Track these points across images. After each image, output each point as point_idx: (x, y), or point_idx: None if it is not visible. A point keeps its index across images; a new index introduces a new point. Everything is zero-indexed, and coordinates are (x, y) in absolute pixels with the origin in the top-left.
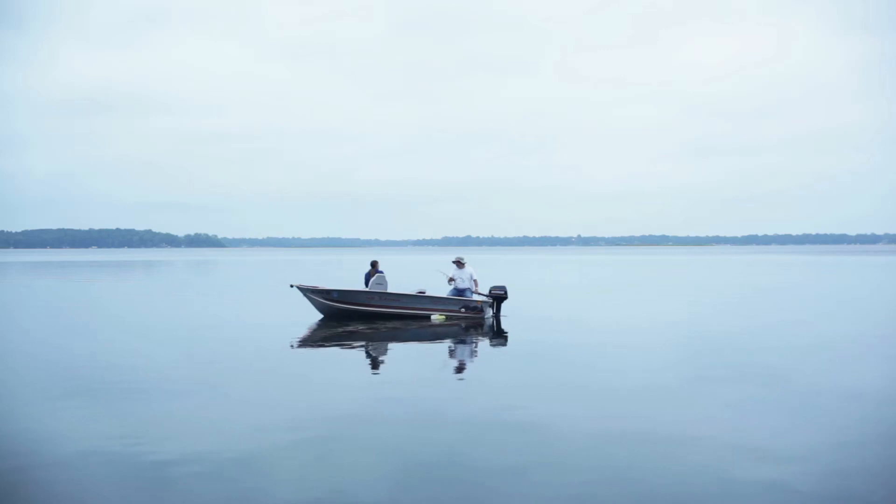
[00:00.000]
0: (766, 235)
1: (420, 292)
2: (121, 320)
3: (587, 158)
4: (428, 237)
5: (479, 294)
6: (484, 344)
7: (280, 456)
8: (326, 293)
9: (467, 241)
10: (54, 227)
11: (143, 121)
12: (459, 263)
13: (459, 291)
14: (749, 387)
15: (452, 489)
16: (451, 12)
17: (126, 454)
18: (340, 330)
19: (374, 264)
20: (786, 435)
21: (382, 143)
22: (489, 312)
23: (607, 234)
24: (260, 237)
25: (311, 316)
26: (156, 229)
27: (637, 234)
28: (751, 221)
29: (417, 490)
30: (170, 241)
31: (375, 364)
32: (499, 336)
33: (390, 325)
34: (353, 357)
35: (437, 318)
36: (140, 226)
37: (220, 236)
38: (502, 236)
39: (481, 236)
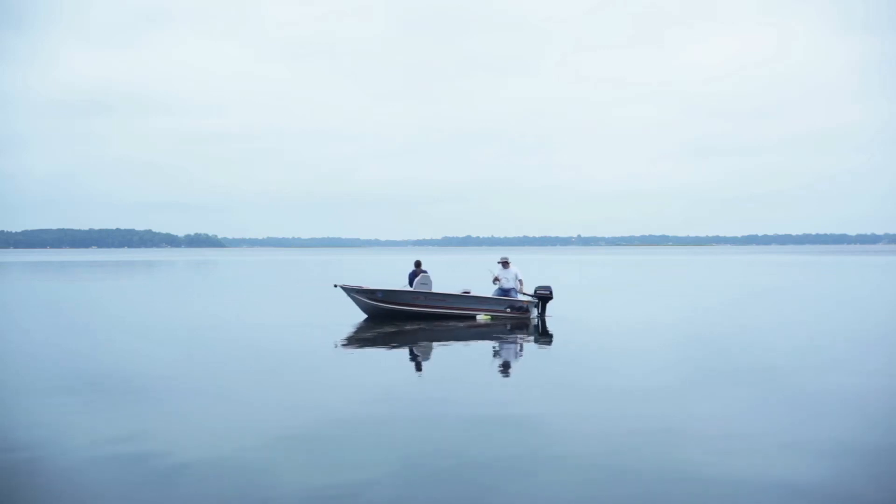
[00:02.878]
0: (766, 235)
1: (465, 292)
2: (121, 320)
3: (587, 158)
4: (428, 237)
5: (525, 294)
6: (528, 344)
7: (287, 456)
8: (371, 293)
9: (467, 241)
10: (54, 227)
11: (143, 121)
12: (505, 263)
13: (504, 291)
14: (750, 387)
15: (459, 489)
16: (451, 12)
17: (129, 454)
18: (384, 330)
19: (417, 264)
20: (787, 434)
21: (382, 143)
22: (535, 312)
23: (607, 234)
24: (260, 237)
25: (347, 316)
26: (156, 229)
27: (637, 234)
28: (751, 221)
29: (424, 489)
30: (170, 241)
31: (411, 364)
32: (544, 336)
33: (435, 325)
34: (389, 357)
35: (482, 318)
36: (140, 226)
37: (220, 236)
38: (502, 236)
39: (481, 236)
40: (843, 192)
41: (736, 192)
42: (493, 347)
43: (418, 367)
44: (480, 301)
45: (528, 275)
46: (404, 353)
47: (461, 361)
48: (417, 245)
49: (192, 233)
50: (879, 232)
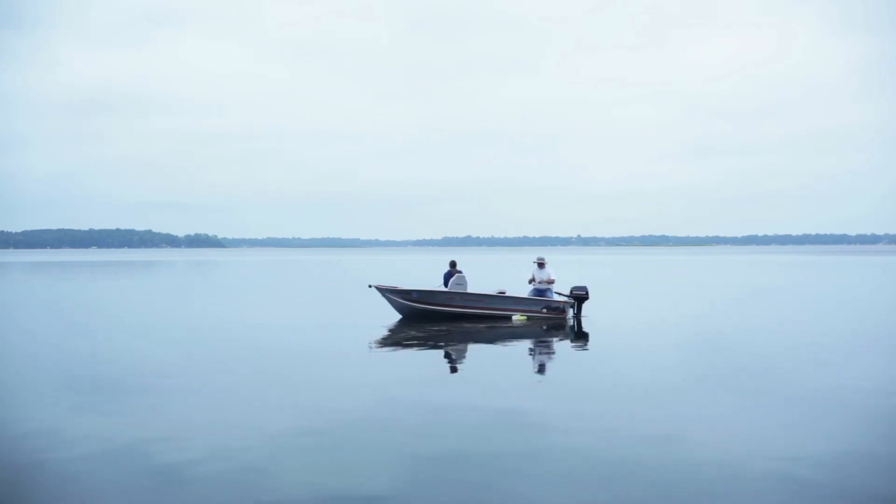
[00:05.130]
0: (766, 235)
1: (500, 292)
2: (122, 320)
3: (587, 158)
4: (428, 237)
5: (560, 294)
6: (562, 345)
7: (293, 456)
8: (406, 293)
9: (467, 241)
10: (54, 227)
11: (144, 121)
12: (541, 264)
13: (540, 292)
14: (751, 386)
15: (465, 490)
16: (451, 12)
17: (131, 455)
18: (418, 331)
19: (452, 264)
20: (788, 434)
21: (382, 143)
22: (571, 313)
23: (607, 234)
24: (260, 237)
25: (379, 317)
26: (156, 229)
27: (637, 234)
28: (751, 221)
29: (430, 490)
30: (170, 241)
31: (440, 364)
32: (580, 337)
33: (471, 325)
34: (420, 357)
35: (518, 318)
36: (140, 226)
37: (220, 236)
38: (502, 236)
39: (481, 236)
40: (843, 192)
41: (736, 192)
42: (528, 348)
43: (446, 368)
44: (516, 301)
45: (527, 276)
46: (435, 353)
47: (493, 362)
48: (417, 245)
49: (192, 233)
50: (879, 232)
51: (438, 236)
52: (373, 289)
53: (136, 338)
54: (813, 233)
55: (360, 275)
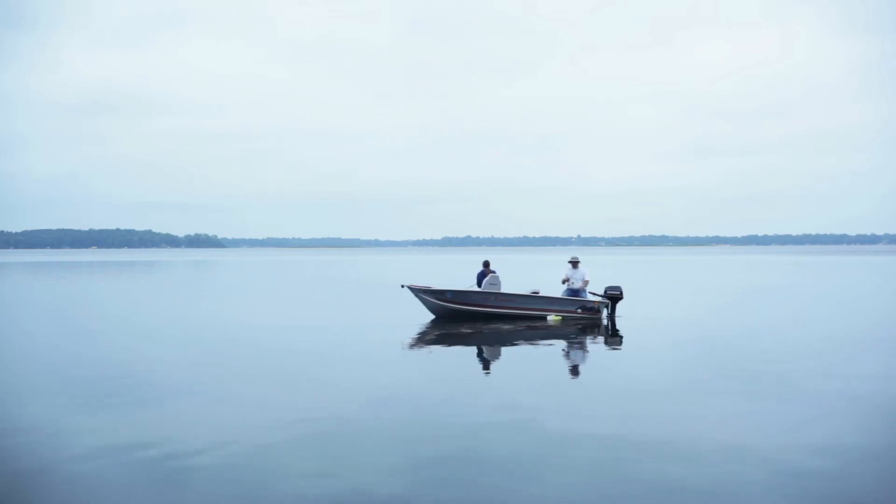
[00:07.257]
0: (766, 235)
1: (534, 292)
2: (123, 321)
3: (587, 158)
4: (428, 237)
5: (595, 294)
6: (596, 346)
7: (296, 456)
8: (440, 293)
9: (467, 241)
10: (54, 227)
11: (145, 121)
12: (574, 264)
13: (574, 292)
14: (752, 386)
15: (472, 490)
16: (451, 13)
17: (134, 454)
18: (452, 331)
19: (486, 264)
20: (789, 434)
21: (383, 143)
22: (605, 313)
23: (607, 235)
24: (260, 237)
25: (412, 317)
26: (156, 229)
27: (637, 234)
28: (751, 221)
29: (433, 490)
30: (170, 241)
31: (464, 365)
32: (614, 337)
33: (504, 325)
34: (445, 358)
35: (552, 319)
36: (140, 226)
37: (220, 236)
38: (502, 236)
39: (481, 236)
40: (843, 192)
41: (736, 192)
42: (562, 349)
43: (478, 368)
44: (551, 301)
45: (528, 275)
46: (468, 353)
47: (525, 363)
48: (418, 245)
49: (192, 233)
50: (879, 232)
51: (438, 236)
52: (405, 289)
53: (137, 338)
54: (813, 233)
55: (373, 275)
